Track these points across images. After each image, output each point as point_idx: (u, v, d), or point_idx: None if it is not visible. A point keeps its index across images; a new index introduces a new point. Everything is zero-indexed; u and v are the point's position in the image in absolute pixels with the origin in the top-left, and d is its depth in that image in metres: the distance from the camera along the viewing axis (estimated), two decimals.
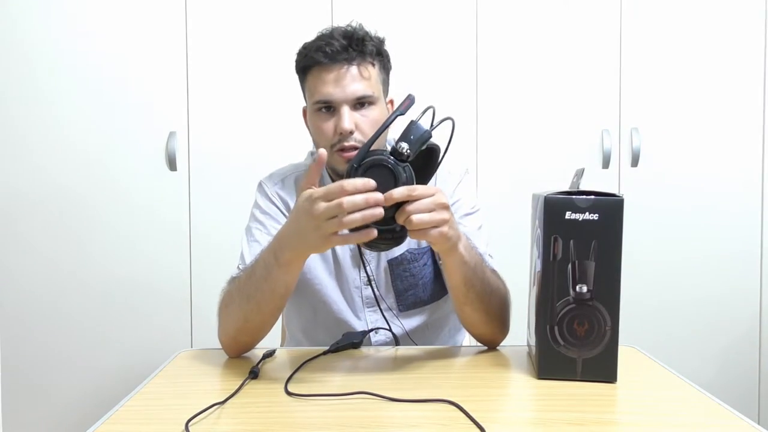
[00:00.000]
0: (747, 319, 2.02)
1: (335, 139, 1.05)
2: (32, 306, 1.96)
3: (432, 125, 0.86)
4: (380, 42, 1.10)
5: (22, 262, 1.96)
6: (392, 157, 0.83)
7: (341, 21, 1.14)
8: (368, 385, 0.83)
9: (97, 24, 1.94)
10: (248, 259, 1.07)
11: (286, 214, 1.15)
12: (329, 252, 1.16)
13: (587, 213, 0.83)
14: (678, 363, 1.05)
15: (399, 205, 0.82)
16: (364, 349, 1.07)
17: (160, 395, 0.86)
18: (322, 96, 1.05)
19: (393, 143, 0.85)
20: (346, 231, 0.81)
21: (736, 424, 0.74)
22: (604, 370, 0.86)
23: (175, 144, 1.94)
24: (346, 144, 1.04)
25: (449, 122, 0.87)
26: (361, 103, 1.06)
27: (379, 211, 0.79)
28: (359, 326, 1.15)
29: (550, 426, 0.73)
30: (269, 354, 1.00)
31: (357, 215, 0.78)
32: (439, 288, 1.17)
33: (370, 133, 1.01)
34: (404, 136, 0.84)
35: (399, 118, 0.87)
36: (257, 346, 1.04)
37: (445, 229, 0.85)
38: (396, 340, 1.11)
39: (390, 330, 1.11)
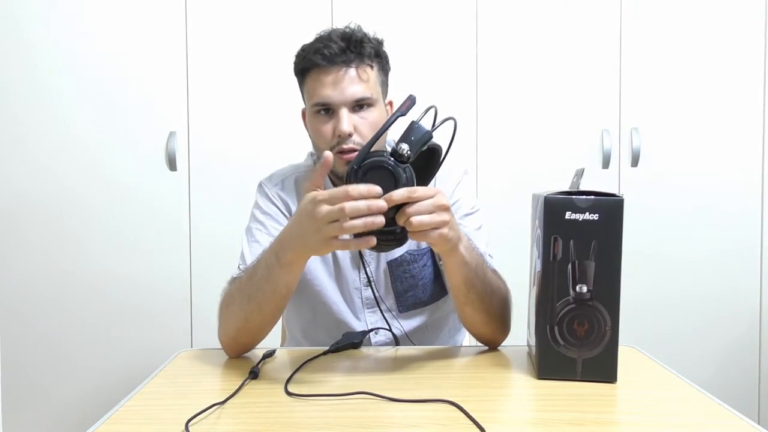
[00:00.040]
0: (747, 318, 2.02)
1: (334, 142, 1.05)
2: (32, 306, 1.96)
3: (433, 125, 0.86)
4: (379, 43, 1.10)
5: (22, 262, 1.96)
6: (392, 159, 0.83)
7: (341, 21, 1.14)
8: (368, 385, 0.83)
9: (97, 24, 1.94)
10: (249, 260, 1.07)
11: (287, 214, 1.15)
12: (329, 253, 1.16)
13: (587, 213, 0.83)
14: (678, 362, 1.05)
15: (399, 207, 0.82)
16: (364, 350, 1.07)
17: (160, 395, 0.86)
18: (320, 98, 1.05)
19: (393, 144, 0.85)
20: (347, 236, 0.81)
21: (736, 424, 0.74)
22: (604, 370, 0.86)
23: (175, 144, 1.94)
24: (345, 146, 1.04)
25: (450, 122, 0.87)
26: (359, 105, 1.06)
27: (381, 220, 0.79)
28: (359, 327, 1.15)
29: (550, 426, 0.73)
30: (269, 354, 1.00)
31: (358, 222, 0.78)
32: (438, 289, 1.17)
33: (369, 135, 1.01)
34: (405, 137, 0.84)
35: (400, 118, 0.87)
36: (257, 346, 1.04)
37: (445, 230, 0.85)
38: (396, 341, 1.11)
39: (390, 330, 1.11)
